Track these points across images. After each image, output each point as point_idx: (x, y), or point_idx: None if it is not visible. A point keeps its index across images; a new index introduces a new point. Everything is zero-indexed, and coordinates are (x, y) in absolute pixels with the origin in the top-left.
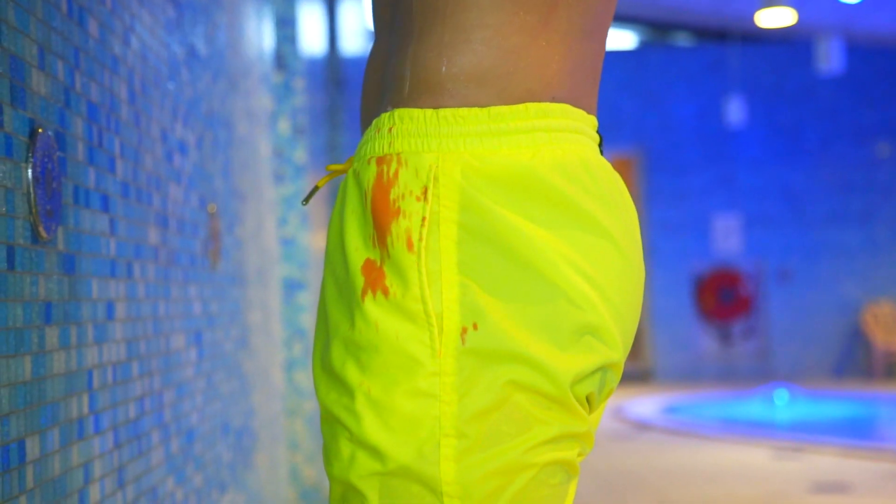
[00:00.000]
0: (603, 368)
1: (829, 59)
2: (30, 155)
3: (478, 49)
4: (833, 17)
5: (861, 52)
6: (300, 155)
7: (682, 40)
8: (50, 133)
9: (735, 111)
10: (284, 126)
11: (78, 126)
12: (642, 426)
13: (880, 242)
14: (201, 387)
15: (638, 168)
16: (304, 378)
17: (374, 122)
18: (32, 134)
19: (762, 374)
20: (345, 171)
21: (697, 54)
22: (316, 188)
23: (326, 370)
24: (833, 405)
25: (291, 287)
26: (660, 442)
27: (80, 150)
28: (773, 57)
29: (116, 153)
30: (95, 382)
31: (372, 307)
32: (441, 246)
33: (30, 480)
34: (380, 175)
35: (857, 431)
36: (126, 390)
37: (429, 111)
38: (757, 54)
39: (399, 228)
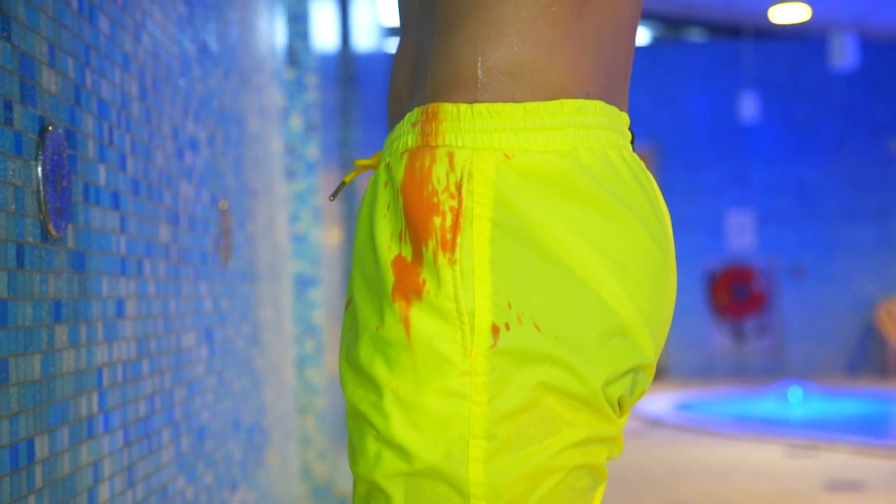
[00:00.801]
0: (634, 370)
1: (843, 54)
2: (40, 153)
3: (513, 43)
4: (847, 12)
5: (875, 48)
6: (312, 151)
7: (696, 36)
8: (60, 131)
9: (748, 107)
10: (297, 122)
11: (88, 123)
12: (655, 423)
13: (894, 239)
14: (212, 384)
15: (651, 164)
16: (316, 375)
17: (406, 116)
18: (42, 132)
19: (776, 371)
20: (371, 167)
21: (711, 50)
22: (343, 183)
23: (354, 367)
24: (847, 402)
25: (303, 283)
26: (673, 439)
27: (91, 148)
28: (786, 53)
29: (127, 150)
30: (105, 381)
31: (402, 304)
32: (474, 243)
33: (38, 480)
34: (412, 170)
35: (871, 429)
36: (136, 388)
37: (463, 106)
38: (771, 50)
39: (432, 224)
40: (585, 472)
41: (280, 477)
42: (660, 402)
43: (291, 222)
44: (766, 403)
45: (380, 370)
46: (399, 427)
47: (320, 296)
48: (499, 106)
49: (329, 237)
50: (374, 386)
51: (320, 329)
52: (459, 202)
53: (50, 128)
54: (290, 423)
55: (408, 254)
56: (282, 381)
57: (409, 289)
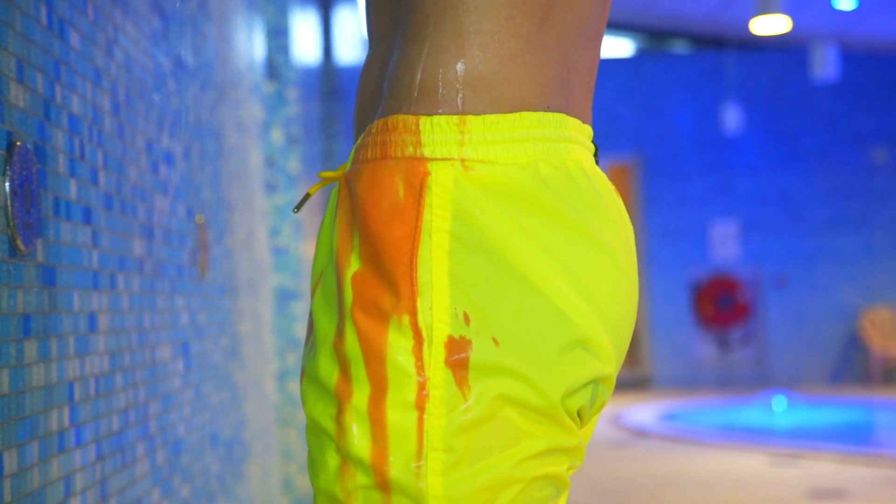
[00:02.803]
0: (595, 382)
1: (825, 65)
2: (7, 168)
3: (474, 55)
4: (828, 24)
5: (856, 59)
6: (293, 165)
7: (679, 48)
8: (28, 146)
9: (732, 118)
10: (277, 136)
11: (58, 138)
12: (640, 433)
13: (878, 248)
14: (189, 398)
15: (636, 175)
16: (297, 388)
17: (367, 128)
18: (10, 147)
19: (760, 380)
20: (337, 179)
21: (694, 61)
22: (308, 195)
23: (313, 380)
24: (831, 411)
25: (284, 297)
26: (658, 449)
27: (61, 163)
28: (769, 64)
29: (99, 165)
30: (77, 395)
31: (361, 317)
32: (433, 256)
33: (7, 494)
34: (371, 182)
35: (854, 437)
36: (109, 402)
37: (423, 118)
38: (754, 61)
39: (390, 237)
40: (547, 483)
41: (261, 490)
42: (645, 412)
43: (272, 236)
44: (750, 413)
45: (339, 383)
46: (358, 440)
47: (301, 309)
48: (458, 118)
49: (310, 250)
50: (333, 399)
51: (302, 342)
52: (418, 215)
53: (18, 143)
54: (272, 437)
55: (367, 267)
56: (262, 394)
57: (367, 302)
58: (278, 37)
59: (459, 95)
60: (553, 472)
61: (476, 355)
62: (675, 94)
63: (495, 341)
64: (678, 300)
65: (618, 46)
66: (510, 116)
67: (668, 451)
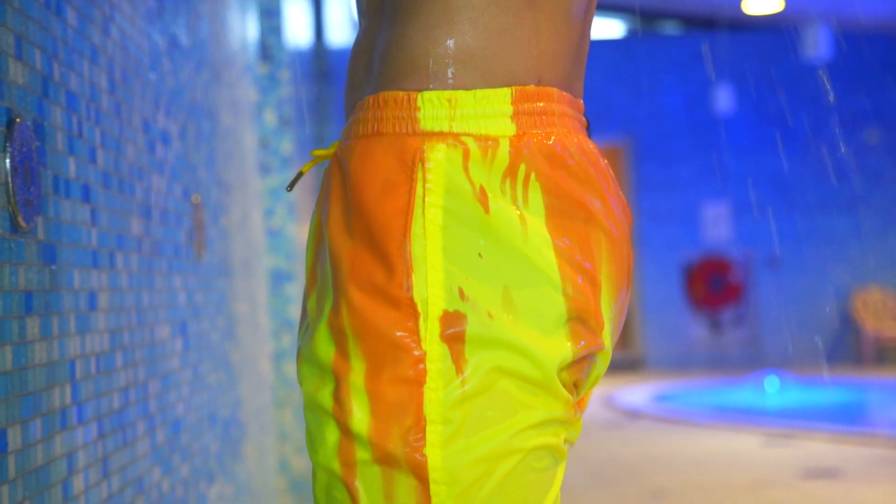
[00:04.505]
0: (590, 354)
1: (817, 46)
2: (7, 144)
3: (465, 30)
4: (820, 4)
5: (848, 39)
6: (286, 146)
7: (670, 29)
8: (28, 123)
9: (723, 99)
10: (270, 117)
11: (57, 116)
12: (633, 414)
13: (869, 229)
14: (187, 377)
15: (626, 157)
16: (293, 369)
17: (358, 104)
18: (10, 124)
19: (752, 361)
20: (329, 157)
21: (685, 43)
22: (300, 174)
23: (309, 358)
24: (823, 391)
25: (279, 278)
26: (651, 430)
27: (60, 140)
28: (760, 45)
29: (97, 143)
30: (78, 373)
31: (356, 294)
32: (426, 231)
33: (12, 470)
34: (363, 158)
35: (847, 417)
36: (110, 381)
37: (413, 93)
38: (744, 42)
39: (383, 213)
40: (545, 453)
41: (257, 470)
42: (638, 393)
43: (266, 217)
44: (743, 393)
45: (336, 360)
46: (356, 415)
47: (296, 290)
48: (449, 93)
49: (304, 232)
50: (330, 376)
51: (297, 324)
52: (411, 190)
53: (17, 119)
54: (268, 417)
55: (360, 243)
56: (258, 375)
57: (361, 278)
58: (270, 18)
59: (450, 70)
60: (550, 443)
61: (471, 329)
62: (666, 76)
63: (490, 315)
64: (670, 282)
65: (608, 28)
66: (501, 91)
67: (662, 431)
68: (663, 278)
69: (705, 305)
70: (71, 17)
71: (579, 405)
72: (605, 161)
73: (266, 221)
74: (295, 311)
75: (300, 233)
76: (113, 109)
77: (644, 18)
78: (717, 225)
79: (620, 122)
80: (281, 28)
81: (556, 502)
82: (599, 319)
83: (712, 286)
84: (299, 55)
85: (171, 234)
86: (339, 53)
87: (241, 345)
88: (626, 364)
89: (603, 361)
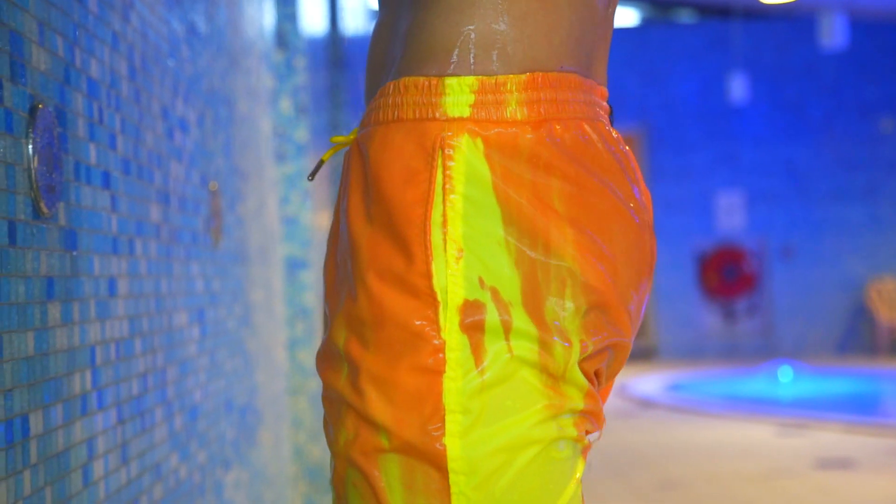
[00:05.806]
0: (610, 345)
1: (832, 34)
2: (30, 131)
3: (486, 15)
4: None
5: (864, 27)
6: (302, 134)
7: (685, 17)
8: (50, 109)
9: (738, 88)
10: (286, 105)
11: (78, 102)
12: (646, 404)
13: (884, 218)
14: (204, 364)
15: (641, 146)
16: (308, 357)
17: (378, 90)
18: (33, 110)
19: (766, 351)
20: (349, 144)
21: (700, 31)
22: (321, 162)
23: (328, 346)
24: (837, 381)
25: (294, 266)
26: (664, 419)
27: (81, 127)
28: (775, 33)
29: (117, 130)
30: (98, 359)
31: (375, 282)
32: (447, 219)
33: (34, 455)
34: (383, 145)
35: (860, 408)
36: (129, 367)
37: (434, 79)
38: (760, 30)
39: (403, 200)
40: (566, 444)
41: (273, 457)
42: (651, 382)
43: (282, 205)
44: (756, 383)
45: (354, 348)
46: (375, 404)
47: (311, 278)
48: (471, 79)
49: (319, 220)
50: (349, 365)
51: (311, 312)
52: (431, 177)
53: (40, 106)
54: (283, 405)
55: (379, 231)
56: (273, 362)
57: (381, 266)
58: (286, 5)
59: (472, 56)
60: (571, 434)
61: (491, 318)
62: (681, 64)
63: (510, 304)
64: (684, 271)
65: (623, 16)
66: (522, 77)
67: (675, 421)
68: (677, 267)
69: (719, 295)
70: (92, 3)
71: (602, 395)
72: (628, 148)
73: (282, 209)
74: (310, 299)
75: (315, 221)
76: (132, 96)
77: (658, 6)
78: (730, 214)
79: (634, 111)
80: (297, 15)
81: (577, 493)
82: (620, 309)
83: (726, 275)
84: (315, 42)
85: (188, 222)
86: (355, 41)
87: (257, 332)
88: (639, 353)
89: (623, 352)
